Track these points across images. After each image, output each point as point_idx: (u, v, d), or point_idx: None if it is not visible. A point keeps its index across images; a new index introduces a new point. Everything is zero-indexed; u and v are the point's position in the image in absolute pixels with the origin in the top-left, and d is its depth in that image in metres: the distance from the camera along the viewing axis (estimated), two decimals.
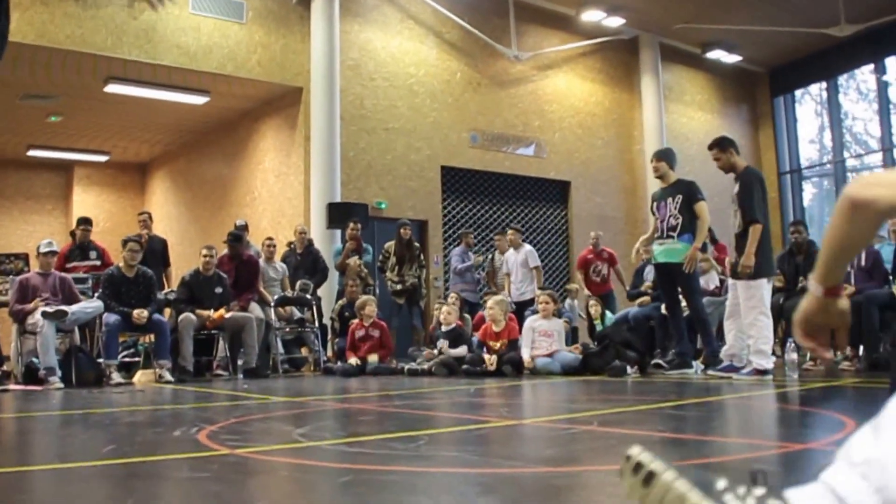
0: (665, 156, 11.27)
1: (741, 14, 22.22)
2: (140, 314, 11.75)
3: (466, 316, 14.11)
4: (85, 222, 14.43)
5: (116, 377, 11.43)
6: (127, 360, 12.98)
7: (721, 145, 10.22)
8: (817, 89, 26.75)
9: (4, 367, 12.17)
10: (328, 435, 5.75)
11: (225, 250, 14.10)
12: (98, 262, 13.69)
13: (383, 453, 4.53)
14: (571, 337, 15.15)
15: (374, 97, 18.76)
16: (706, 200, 10.87)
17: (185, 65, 16.60)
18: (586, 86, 23.16)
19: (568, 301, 16.57)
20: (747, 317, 9.71)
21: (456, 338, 12.69)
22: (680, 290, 11.07)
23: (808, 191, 27.40)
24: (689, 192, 10.78)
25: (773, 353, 11.82)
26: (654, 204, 11.12)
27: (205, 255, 13.04)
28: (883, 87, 24.84)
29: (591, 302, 14.92)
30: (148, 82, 17.55)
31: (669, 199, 10.83)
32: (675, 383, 9.68)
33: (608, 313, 14.75)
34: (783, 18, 22.31)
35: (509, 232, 16.08)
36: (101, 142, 23.07)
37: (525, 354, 11.94)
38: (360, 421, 6.72)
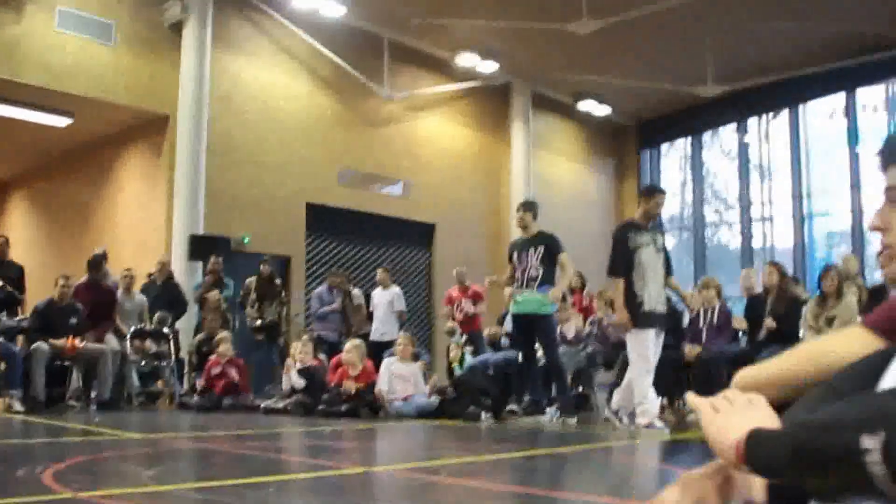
0: (531, 207, 11.51)
1: (613, 68, 22.55)
2: None
3: (323, 357, 13.98)
4: None
5: None
6: None
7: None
8: (682, 144, 27.32)
9: None
10: (178, 478, 5.66)
11: (83, 278, 13.85)
12: None
13: (231, 501, 4.49)
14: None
15: (243, 129, 18.57)
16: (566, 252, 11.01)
17: (48, 84, 16.16)
18: (457, 129, 23.29)
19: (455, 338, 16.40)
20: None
21: (308, 377, 12.59)
22: (538, 339, 11.20)
23: (668, 242, 27.82)
24: (551, 245, 11.05)
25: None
26: (515, 253, 11.26)
27: (61, 285, 12.75)
28: (743, 146, 25.60)
29: (451, 345, 14.88)
30: (8, 100, 17.03)
31: (531, 250, 11.02)
32: (528, 430, 9.83)
33: (467, 356, 14.69)
34: (654, 75, 22.79)
35: (379, 271, 16.11)
36: None
37: (382, 388, 11.91)
38: (212, 463, 6.65)
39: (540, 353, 11.45)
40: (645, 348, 9.72)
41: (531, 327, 11.14)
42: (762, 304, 11.43)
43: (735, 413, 1.81)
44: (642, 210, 10.14)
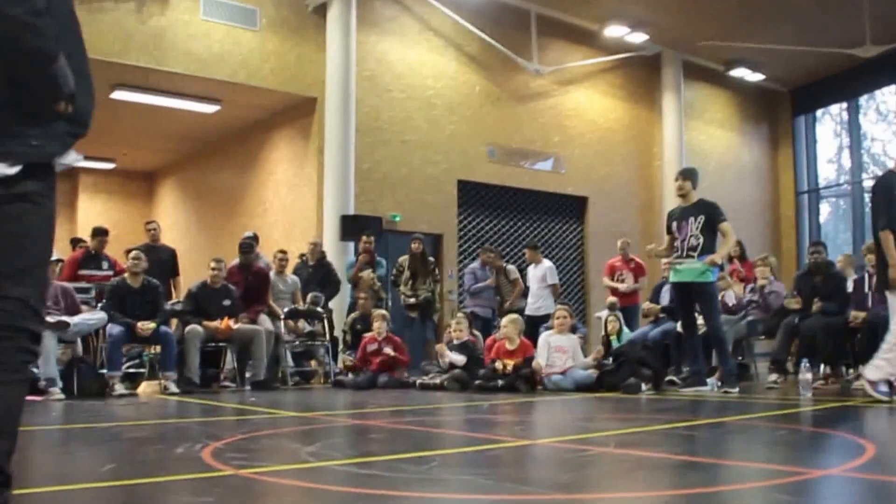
0: (690, 175, 11.11)
1: (766, 33, 21.92)
2: (145, 326, 11.54)
3: (477, 333, 13.81)
4: (101, 233, 14.13)
5: (119, 388, 11.19)
6: (131, 370, 12.73)
7: None
8: (838, 109, 26.48)
9: None
10: (338, 454, 5.55)
11: (235, 260, 13.92)
12: (110, 273, 13.44)
13: (394, 476, 4.37)
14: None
15: (390, 109, 18.54)
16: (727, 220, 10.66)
17: (195, 72, 16.37)
18: (607, 101, 22.97)
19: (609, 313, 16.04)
20: None
21: (465, 352, 12.43)
22: (699, 308, 10.88)
23: (824, 210, 27.14)
24: (711, 213, 10.67)
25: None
26: (674, 223, 10.92)
27: (213, 268, 12.81)
28: None
29: (610, 318, 14.51)
30: (156, 89, 17.36)
31: (691, 219, 10.67)
32: (690, 401, 9.57)
33: (626, 329, 14.31)
34: (808, 38, 21.99)
35: (526, 251, 15.87)
36: (107, 149, 22.82)
37: (541, 362, 11.67)
38: (370, 439, 6.55)
39: (699, 322, 11.11)
40: None
41: (691, 296, 10.83)
42: None
43: None
44: None
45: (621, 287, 15.28)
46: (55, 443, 6.55)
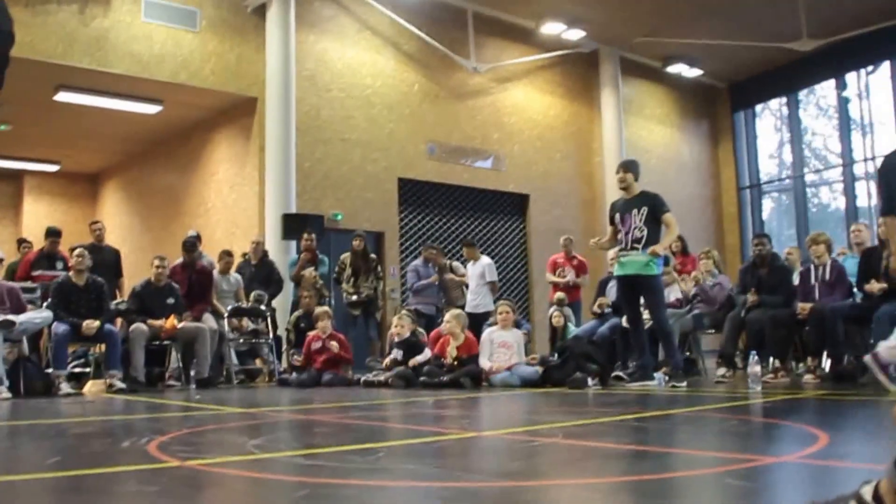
0: (631, 167, 11.01)
1: (702, 28, 22.13)
2: (89, 325, 11.53)
3: (421, 330, 13.83)
4: (53, 233, 14.19)
5: (65, 387, 11.18)
6: (77, 370, 12.73)
7: None
8: (777, 104, 26.75)
9: None
10: (283, 447, 5.60)
11: (178, 259, 13.91)
12: (65, 272, 13.41)
13: (341, 466, 4.40)
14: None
15: (330, 108, 18.56)
16: (671, 211, 10.67)
17: (137, 73, 16.35)
18: (545, 99, 23.07)
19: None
20: None
21: (410, 348, 12.46)
22: (644, 301, 10.95)
23: (767, 205, 27.39)
24: (654, 205, 10.61)
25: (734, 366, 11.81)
26: (618, 215, 10.89)
27: (157, 266, 12.83)
28: (843, 102, 24.80)
29: (555, 313, 14.56)
30: (99, 91, 17.30)
31: (634, 211, 10.62)
32: (637, 395, 9.57)
33: (570, 325, 14.37)
34: (745, 33, 22.19)
35: (464, 249, 16.00)
36: (51, 151, 22.80)
37: (485, 364, 11.73)
38: (316, 433, 6.56)
39: (645, 316, 11.13)
40: None
41: (636, 289, 10.81)
42: (878, 259, 10.86)
43: None
44: None
45: (560, 281, 15.43)
46: (0, 438, 6.56)
